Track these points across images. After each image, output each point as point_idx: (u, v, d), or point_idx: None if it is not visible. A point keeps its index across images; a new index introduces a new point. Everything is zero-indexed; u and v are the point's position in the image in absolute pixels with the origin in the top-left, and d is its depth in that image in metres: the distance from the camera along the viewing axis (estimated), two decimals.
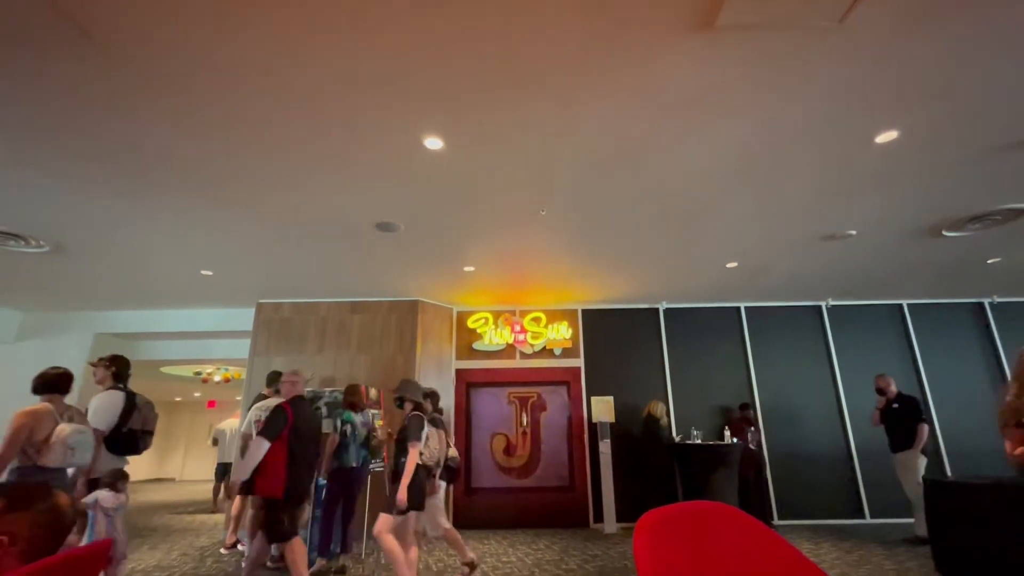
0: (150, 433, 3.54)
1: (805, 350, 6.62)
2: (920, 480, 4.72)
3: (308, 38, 2.22)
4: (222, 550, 4.76)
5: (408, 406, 3.47)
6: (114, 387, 3.42)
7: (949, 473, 6.03)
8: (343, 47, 2.28)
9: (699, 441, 5.66)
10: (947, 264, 5.35)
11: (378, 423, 4.70)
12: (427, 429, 3.39)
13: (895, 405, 5.12)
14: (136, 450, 3.43)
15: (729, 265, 5.28)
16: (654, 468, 5.96)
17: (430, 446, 3.41)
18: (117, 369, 3.48)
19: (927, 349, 6.56)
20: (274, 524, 3.27)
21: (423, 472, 3.31)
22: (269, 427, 3.30)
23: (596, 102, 2.68)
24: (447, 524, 3.86)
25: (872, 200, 3.87)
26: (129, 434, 3.34)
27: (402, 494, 3.12)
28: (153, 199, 3.67)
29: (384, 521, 3.10)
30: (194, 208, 3.82)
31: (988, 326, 6.63)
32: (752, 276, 5.66)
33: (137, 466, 14.47)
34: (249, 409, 4.71)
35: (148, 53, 2.28)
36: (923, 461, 4.86)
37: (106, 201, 3.68)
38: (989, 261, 5.28)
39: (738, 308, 6.78)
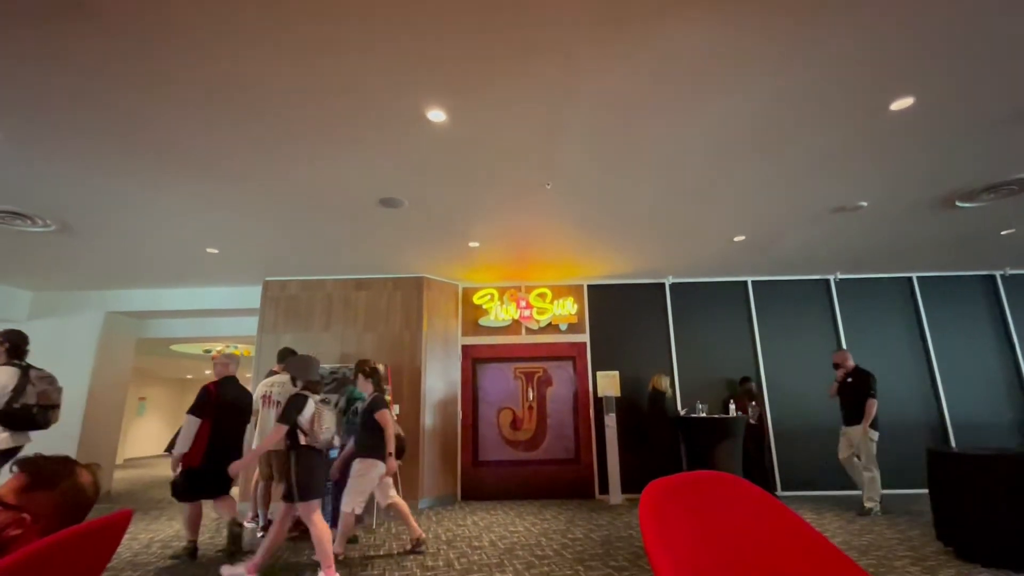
0: (51, 407, 3.54)
1: (812, 324, 6.60)
2: (874, 453, 4.88)
3: (308, 6, 2.16)
4: (246, 523, 4.88)
5: (299, 384, 3.46)
6: (8, 362, 3.44)
7: (954, 445, 6.06)
8: (343, 12, 2.21)
9: (704, 415, 5.71)
10: (959, 236, 5.27)
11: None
12: (312, 409, 3.31)
13: (849, 379, 5.22)
14: (36, 425, 3.43)
15: (736, 238, 5.23)
16: (659, 441, 6.03)
17: (318, 428, 3.29)
18: (11, 344, 3.53)
19: (936, 322, 6.52)
20: (183, 488, 3.71)
21: (314, 455, 3.29)
22: (196, 405, 3.59)
23: (602, 69, 2.61)
24: (394, 498, 3.88)
25: (884, 170, 3.78)
26: (23, 409, 3.35)
27: (235, 466, 3.49)
28: (155, 177, 3.65)
29: (305, 508, 3.17)
30: (196, 185, 3.80)
31: (999, 299, 6.56)
32: (760, 249, 5.60)
33: (149, 442, 14.83)
34: (259, 384, 4.80)
35: (144, 23, 2.23)
36: (875, 435, 4.96)
37: (109, 180, 3.66)
38: (1003, 233, 5.19)
39: (745, 282, 6.74)
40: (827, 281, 6.72)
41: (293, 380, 3.57)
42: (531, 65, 2.57)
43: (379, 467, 3.72)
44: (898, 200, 4.33)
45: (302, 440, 3.26)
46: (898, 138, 3.32)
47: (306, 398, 3.33)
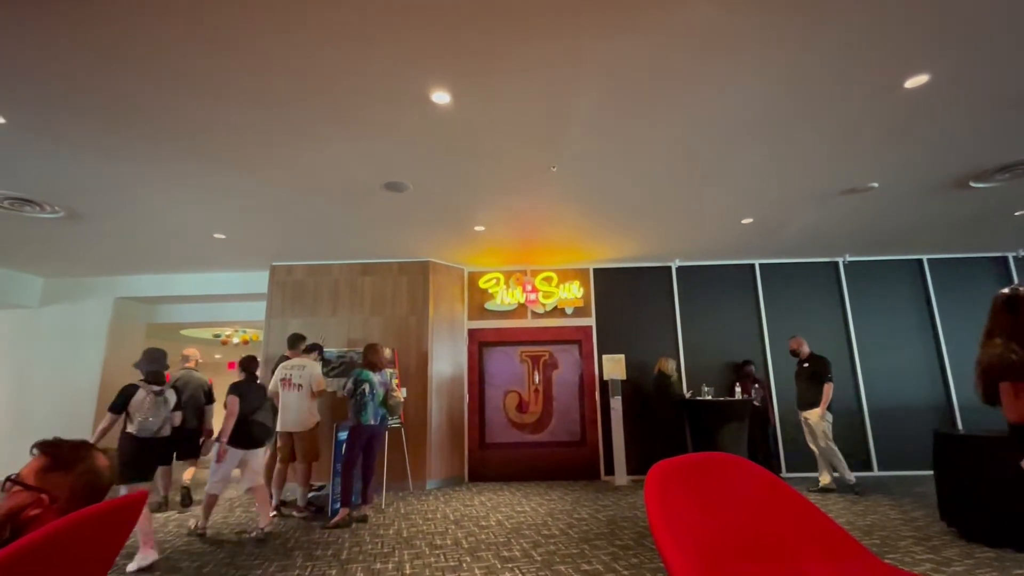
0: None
1: (820, 307, 6.56)
2: (831, 436, 4.99)
3: None
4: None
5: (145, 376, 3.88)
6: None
7: (961, 427, 6.06)
8: None
9: (710, 397, 5.73)
10: (971, 217, 5.18)
11: (394, 382, 4.81)
12: (140, 398, 3.71)
13: (805, 365, 5.29)
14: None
15: (744, 221, 5.17)
16: (664, 423, 6.07)
17: (140, 417, 3.69)
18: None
19: (945, 305, 6.46)
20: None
21: (135, 442, 3.67)
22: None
23: (609, 49, 2.56)
24: (257, 484, 3.99)
25: (897, 150, 3.71)
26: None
27: None
28: (161, 164, 3.65)
29: (128, 491, 3.33)
30: (202, 172, 3.80)
31: (1011, 280, 6.48)
32: (768, 232, 5.55)
33: None
34: (273, 371, 4.86)
35: (148, 10, 2.21)
36: (830, 419, 5.04)
37: (115, 166, 3.67)
38: (1017, 213, 5.11)
39: (752, 265, 6.69)
40: (836, 264, 6.66)
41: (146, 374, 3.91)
42: (537, 45, 2.52)
43: (236, 453, 3.92)
44: (910, 181, 4.26)
45: (128, 427, 3.64)
46: (912, 117, 3.25)
47: (136, 388, 3.74)
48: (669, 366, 5.94)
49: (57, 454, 1.27)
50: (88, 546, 1.17)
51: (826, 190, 4.42)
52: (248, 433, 3.96)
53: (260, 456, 4.10)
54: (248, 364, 4.33)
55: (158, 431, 3.78)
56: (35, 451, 1.29)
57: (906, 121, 3.30)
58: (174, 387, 4.23)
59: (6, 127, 3.11)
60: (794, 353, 5.44)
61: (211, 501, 3.93)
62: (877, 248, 6.26)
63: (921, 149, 3.70)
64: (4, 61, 2.52)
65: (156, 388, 3.82)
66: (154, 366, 3.94)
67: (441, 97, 2.93)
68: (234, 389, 4.04)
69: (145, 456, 3.74)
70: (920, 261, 6.61)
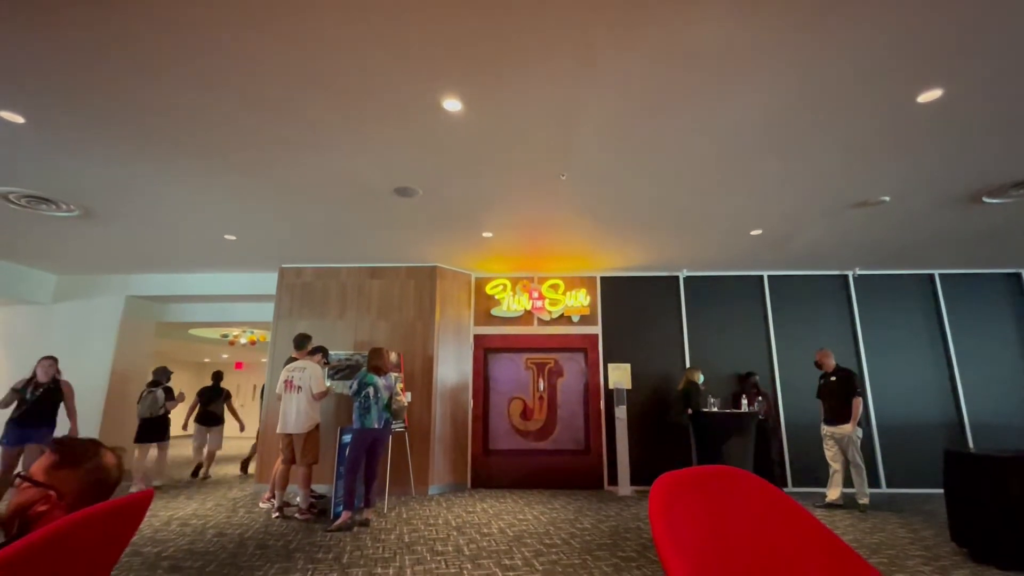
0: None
1: (828, 320, 6.50)
2: (859, 451, 4.90)
3: None
4: (261, 503, 5.02)
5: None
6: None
7: (972, 446, 5.96)
8: (360, 1, 2.21)
9: (716, 409, 5.68)
10: (984, 232, 5.12)
11: (399, 386, 4.82)
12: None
13: (832, 378, 5.18)
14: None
15: (753, 232, 5.15)
16: (670, 434, 6.03)
17: None
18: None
19: (957, 321, 6.38)
20: None
21: None
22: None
23: (621, 60, 2.57)
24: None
25: (909, 164, 3.69)
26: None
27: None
28: (174, 166, 3.70)
29: None
30: (214, 174, 3.85)
31: (1023, 297, 6.39)
32: (777, 244, 5.52)
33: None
34: (283, 369, 4.89)
35: (159, 12, 2.25)
36: (859, 432, 4.96)
37: (129, 167, 3.73)
38: None
39: (761, 277, 6.65)
40: (845, 277, 6.60)
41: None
42: (549, 54, 2.54)
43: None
44: (922, 195, 4.23)
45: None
46: (925, 131, 3.23)
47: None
48: (698, 376, 5.90)
49: (66, 451, 1.29)
50: (95, 542, 1.18)
51: (837, 203, 4.39)
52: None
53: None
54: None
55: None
56: (45, 449, 1.31)
57: (919, 135, 3.28)
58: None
59: (26, 127, 3.17)
60: (819, 366, 5.34)
61: None
62: (888, 262, 6.21)
63: (934, 163, 3.67)
64: (24, 61, 2.58)
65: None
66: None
67: (453, 105, 2.95)
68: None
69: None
70: (932, 276, 6.54)
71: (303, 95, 2.87)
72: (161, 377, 6.31)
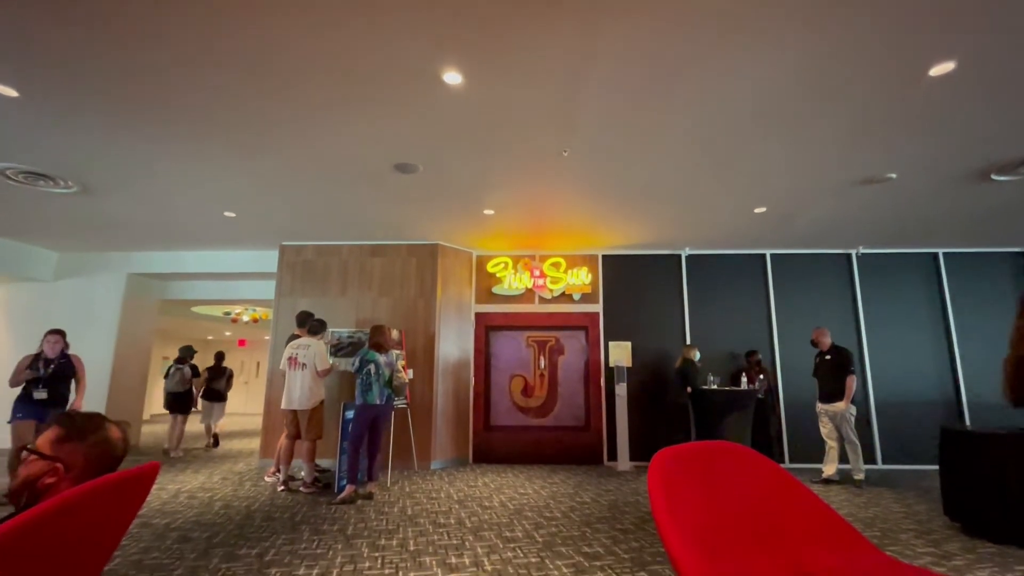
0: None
1: (831, 299, 6.49)
2: (854, 428, 4.99)
3: None
4: (266, 477, 5.11)
5: None
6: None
7: (968, 424, 6.02)
8: None
9: (715, 387, 5.73)
10: (992, 210, 5.07)
11: (400, 363, 4.86)
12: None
13: (827, 357, 5.22)
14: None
15: (757, 210, 5.10)
16: (669, 411, 6.10)
17: None
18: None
19: (959, 299, 6.37)
20: None
21: None
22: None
23: (624, 30, 2.50)
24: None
25: (917, 140, 3.62)
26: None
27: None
28: (173, 141, 3.65)
29: None
30: (211, 150, 3.80)
31: None
32: (781, 222, 5.47)
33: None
34: (287, 347, 4.91)
35: None
36: (853, 411, 5.04)
37: (125, 143, 3.68)
38: None
39: (763, 255, 6.62)
40: (848, 255, 6.57)
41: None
42: (551, 25, 2.47)
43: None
44: (930, 172, 4.17)
45: None
46: (936, 106, 3.16)
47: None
48: (695, 354, 5.94)
49: (71, 425, 1.30)
50: (102, 514, 1.20)
51: (842, 180, 4.34)
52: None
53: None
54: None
55: None
56: (51, 424, 1.32)
57: (929, 110, 3.21)
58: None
59: (20, 101, 3.12)
60: (815, 344, 5.38)
61: None
62: (892, 240, 6.16)
63: (943, 139, 3.60)
64: (17, 34, 2.52)
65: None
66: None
67: (453, 77, 2.89)
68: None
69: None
70: (935, 255, 6.50)
71: (300, 69, 2.81)
72: (186, 355, 7.05)
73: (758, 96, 3.07)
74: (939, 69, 2.78)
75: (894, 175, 4.20)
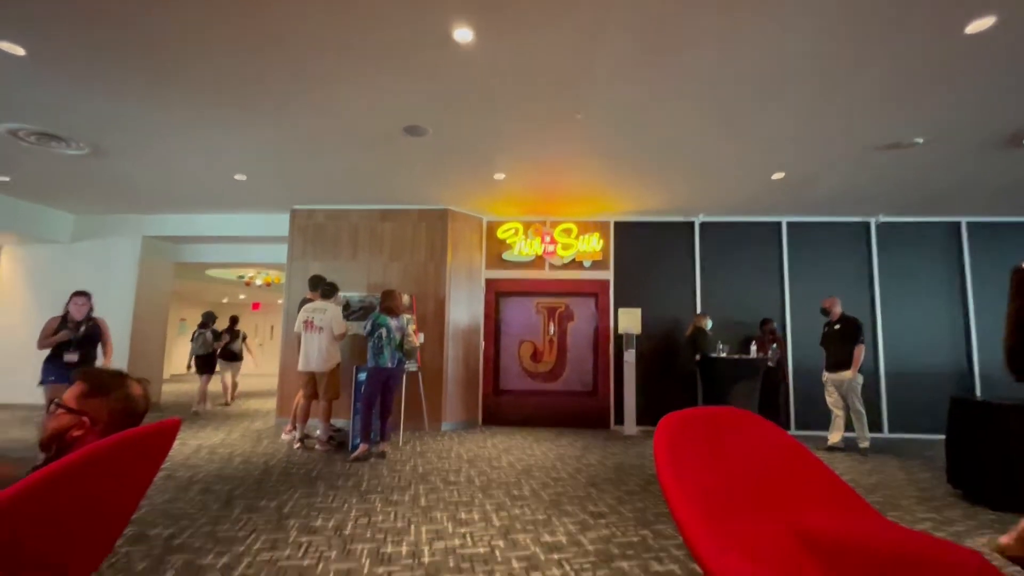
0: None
1: (846, 268, 6.39)
2: (860, 397, 5.00)
3: None
4: (283, 435, 5.28)
5: None
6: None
7: (979, 394, 6.00)
8: None
9: (724, 355, 5.74)
10: (1020, 179, 4.89)
11: (411, 327, 4.92)
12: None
13: (836, 326, 5.22)
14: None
15: (775, 176, 4.97)
16: (678, 378, 6.14)
17: None
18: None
19: (980, 270, 6.23)
20: None
21: None
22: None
23: None
24: None
25: (947, 103, 3.47)
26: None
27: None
28: (183, 103, 3.61)
29: None
30: (222, 113, 3.76)
31: None
32: (799, 188, 5.34)
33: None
34: (299, 310, 4.98)
35: None
36: (860, 380, 5.04)
37: (138, 103, 3.65)
38: None
39: (779, 223, 6.49)
40: (867, 224, 6.42)
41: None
42: None
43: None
44: (958, 137, 4.00)
45: None
46: (970, 66, 3.01)
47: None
48: (706, 323, 5.94)
49: (95, 380, 1.35)
50: (127, 465, 1.26)
51: (866, 145, 4.19)
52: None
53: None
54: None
55: None
56: (75, 379, 1.37)
57: (963, 71, 3.06)
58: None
59: (26, 60, 3.09)
60: (825, 312, 5.36)
61: None
62: (913, 209, 6.00)
63: (973, 102, 3.44)
64: None
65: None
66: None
67: (464, 35, 2.80)
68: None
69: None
70: (958, 224, 6.33)
71: (308, 29, 2.73)
72: (208, 320, 7.60)
73: (781, 55, 2.94)
74: (977, 26, 2.62)
75: (921, 140, 4.04)
